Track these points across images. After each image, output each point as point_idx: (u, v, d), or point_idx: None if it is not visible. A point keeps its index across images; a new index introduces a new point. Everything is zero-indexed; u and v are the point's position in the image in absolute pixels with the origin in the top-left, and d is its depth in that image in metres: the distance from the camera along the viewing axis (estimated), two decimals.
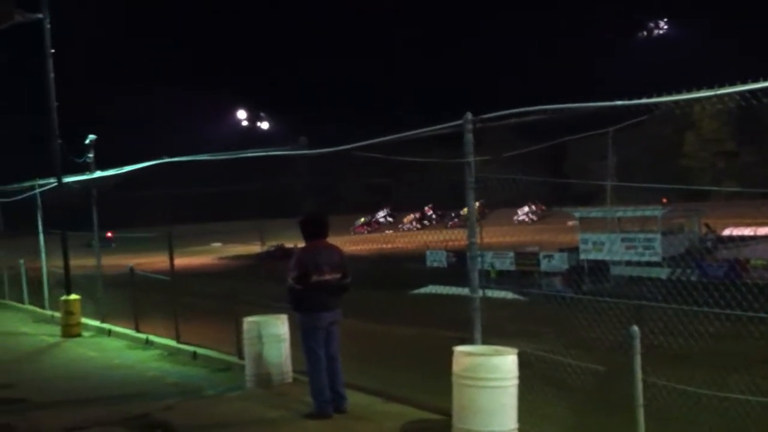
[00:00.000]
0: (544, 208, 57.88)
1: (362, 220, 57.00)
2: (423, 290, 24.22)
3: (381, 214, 59.67)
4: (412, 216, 59.59)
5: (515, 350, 7.00)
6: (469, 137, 7.34)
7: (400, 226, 55.88)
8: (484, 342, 7.58)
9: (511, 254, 33.38)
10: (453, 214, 58.54)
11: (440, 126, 7.83)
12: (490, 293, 7.97)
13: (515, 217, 55.00)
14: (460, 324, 8.19)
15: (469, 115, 7.35)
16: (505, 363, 6.83)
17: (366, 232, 54.59)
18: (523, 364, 7.11)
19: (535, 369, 7.87)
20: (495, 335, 7.75)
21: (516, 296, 18.71)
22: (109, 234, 16.95)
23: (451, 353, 7.11)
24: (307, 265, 8.20)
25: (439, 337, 10.81)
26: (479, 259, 7.62)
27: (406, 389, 9.00)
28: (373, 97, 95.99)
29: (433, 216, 60.63)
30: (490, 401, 6.77)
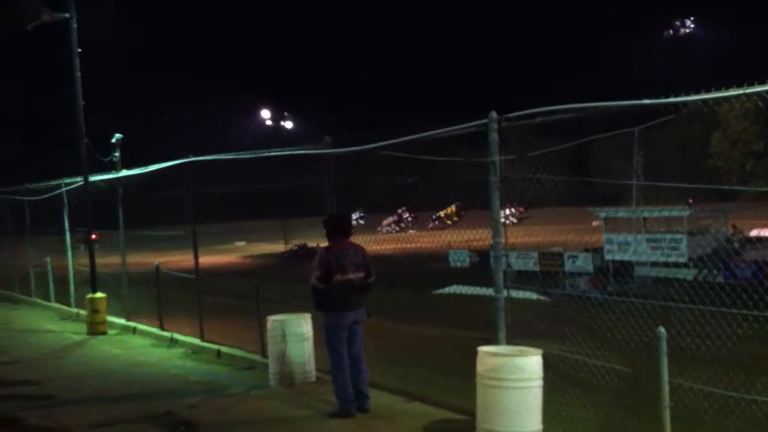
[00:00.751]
0: (522, 210, 57.34)
1: None
2: (446, 290, 24.17)
3: (353, 217, 58.58)
4: (390, 219, 58.68)
5: (540, 351, 6.95)
6: (494, 136, 7.30)
7: (378, 228, 54.88)
8: (509, 342, 7.54)
9: (535, 255, 33.18)
10: (434, 217, 57.67)
11: (465, 125, 7.80)
12: (513, 294, 7.92)
13: None
14: (483, 324, 8.14)
15: (494, 114, 7.31)
16: (530, 363, 6.78)
17: None
18: (548, 365, 7.06)
19: (559, 370, 7.82)
20: (519, 336, 7.71)
21: (539, 297, 18.60)
22: (94, 236, 17.05)
23: (474, 353, 7.08)
24: (330, 264, 8.20)
25: (462, 337, 10.80)
26: (504, 259, 7.58)
27: (429, 389, 8.99)
28: (398, 97, 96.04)
29: (409, 219, 59.78)
30: (514, 402, 6.73)
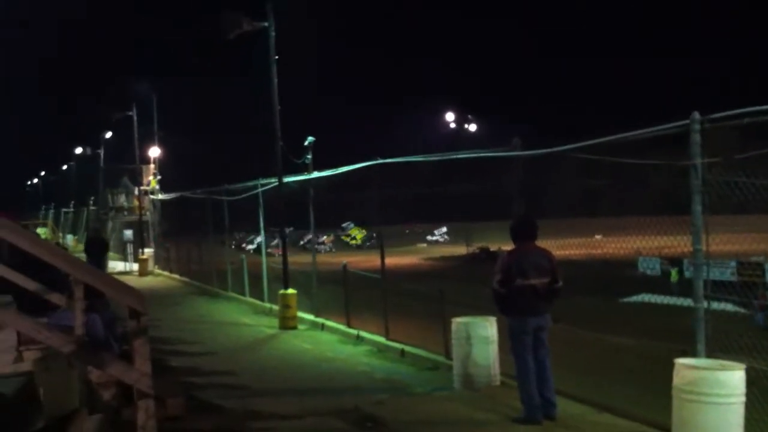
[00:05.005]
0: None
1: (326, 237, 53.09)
2: (635, 298, 23.25)
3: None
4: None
5: (743, 365, 6.53)
6: (696, 137, 6.95)
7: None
8: (708, 355, 7.14)
9: (733, 264, 31.18)
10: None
11: (663, 126, 7.45)
12: (715, 305, 7.47)
13: (429, 237, 50.12)
14: (674, 334, 7.76)
15: (696, 115, 6.95)
16: (733, 378, 6.40)
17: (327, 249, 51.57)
18: (750, 381, 6.63)
19: (763, 387, 7.30)
20: (717, 348, 7.28)
21: (737, 308, 17.50)
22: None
23: (668, 365, 6.78)
24: (511, 268, 8.08)
25: (654, 347, 10.33)
26: (704, 267, 7.19)
27: (618, 400, 8.65)
28: (585, 97, 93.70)
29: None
30: (713, 418, 6.38)
